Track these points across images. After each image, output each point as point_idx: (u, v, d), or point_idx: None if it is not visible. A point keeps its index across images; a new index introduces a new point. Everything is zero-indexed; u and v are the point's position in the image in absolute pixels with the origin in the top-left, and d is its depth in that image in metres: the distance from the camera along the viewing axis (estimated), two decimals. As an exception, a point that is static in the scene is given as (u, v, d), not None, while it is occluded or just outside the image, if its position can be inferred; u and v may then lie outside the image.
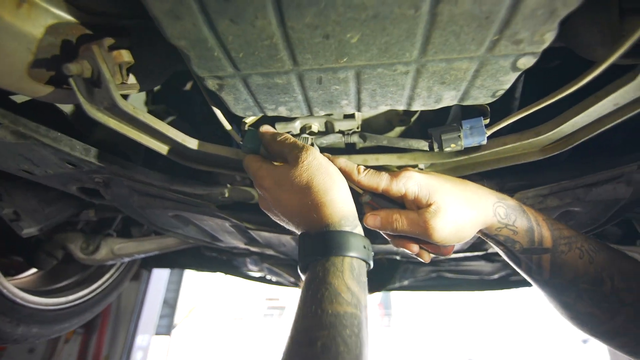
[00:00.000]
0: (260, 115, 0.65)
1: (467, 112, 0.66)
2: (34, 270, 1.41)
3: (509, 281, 1.97)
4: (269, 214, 0.61)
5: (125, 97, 0.80)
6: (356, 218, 0.54)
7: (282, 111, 0.61)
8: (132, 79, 0.60)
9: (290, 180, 0.52)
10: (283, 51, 0.46)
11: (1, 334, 1.07)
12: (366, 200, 0.60)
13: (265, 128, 0.61)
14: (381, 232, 0.60)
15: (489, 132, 0.61)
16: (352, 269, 0.47)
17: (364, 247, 0.50)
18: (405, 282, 1.82)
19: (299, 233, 0.55)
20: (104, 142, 0.86)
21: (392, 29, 0.41)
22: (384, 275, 1.47)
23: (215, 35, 0.43)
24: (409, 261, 1.41)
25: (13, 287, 1.13)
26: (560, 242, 0.55)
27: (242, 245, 1.14)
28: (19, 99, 0.72)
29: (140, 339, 4.23)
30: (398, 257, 1.13)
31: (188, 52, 0.46)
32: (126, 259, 1.44)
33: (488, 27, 0.41)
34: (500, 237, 0.57)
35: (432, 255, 0.61)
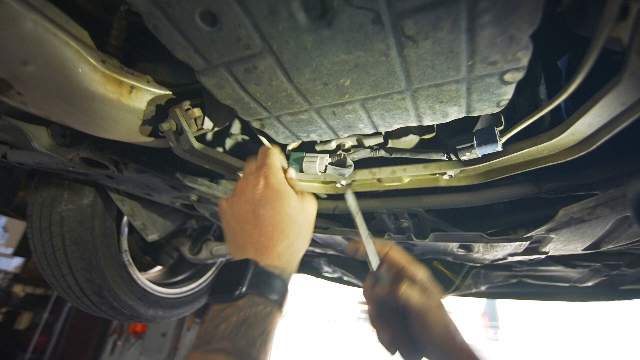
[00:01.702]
0: (300, 141, 0.80)
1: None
2: (159, 267, 1.84)
3: (617, 291, 1.71)
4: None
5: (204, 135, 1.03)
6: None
7: (314, 137, 0.75)
8: (208, 122, 0.81)
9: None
10: (298, 97, 0.59)
11: (138, 314, 1.45)
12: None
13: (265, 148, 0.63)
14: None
15: (503, 139, 0.63)
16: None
17: None
18: (482, 288, 1.74)
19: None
20: (197, 167, 1.13)
21: (374, 72, 0.51)
22: (446, 278, 1.46)
23: (248, 94, 0.59)
24: (474, 265, 1.38)
25: (145, 279, 1.51)
26: None
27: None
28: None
29: (244, 331, 4.80)
30: (450, 259, 1.14)
31: (234, 106, 0.64)
32: (222, 259, 1.76)
33: (457, 58, 0.47)
34: None
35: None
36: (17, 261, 3.92)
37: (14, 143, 0.97)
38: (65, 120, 0.65)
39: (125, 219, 1.43)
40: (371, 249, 0.61)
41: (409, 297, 0.54)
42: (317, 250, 1.33)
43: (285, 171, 0.61)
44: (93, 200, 1.23)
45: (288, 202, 0.54)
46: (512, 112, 0.74)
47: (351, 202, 0.64)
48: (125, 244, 1.42)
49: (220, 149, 0.93)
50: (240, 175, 0.86)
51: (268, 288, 0.47)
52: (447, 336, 0.52)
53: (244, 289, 0.45)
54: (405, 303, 0.54)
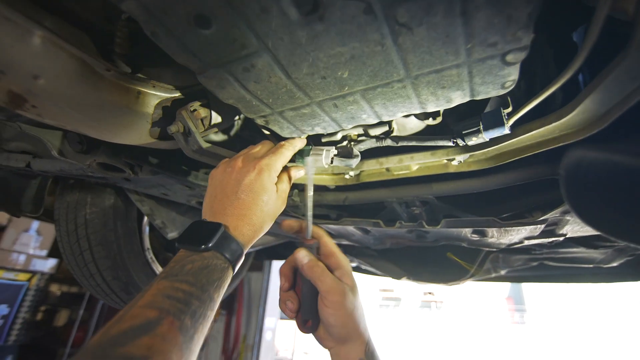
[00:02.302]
0: (305, 135, 0.80)
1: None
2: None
3: (646, 270, 1.64)
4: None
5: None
6: None
7: (319, 130, 0.75)
8: (214, 121, 0.82)
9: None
10: (298, 92, 0.59)
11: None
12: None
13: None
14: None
15: (510, 122, 0.61)
16: None
17: None
18: (502, 272, 1.72)
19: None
20: (208, 166, 1.15)
21: (371, 62, 0.51)
22: (461, 267, 1.44)
23: (249, 92, 0.60)
24: (491, 250, 1.35)
25: (169, 275, 1.57)
26: None
27: (322, 240, 1.32)
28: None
29: (268, 321, 4.93)
30: (465, 244, 1.12)
31: (237, 105, 0.65)
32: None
33: (454, 42, 0.46)
34: None
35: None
36: (52, 262, 4.13)
37: (36, 152, 1.02)
38: (79, 128, 0.67)
39: (145, 218, 1.49)
40: (311, 220, 0.67)
41: (321, 276, 0.59)
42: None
43: (287, 170, 0.72)
44: (114, 202, 1.28)
45: (267, 198, 0.63)
46: (524, 93, 0.72)
47: (309, 170, 0.72)
48: (147, 242, 1.48)
49: (228, 146, 0.94)
50: None
51: (229, 251, 0.56)
52: (347, 324, 0.59)
53: (210, 245, 0.54)
54: (317, 281, 0.59)
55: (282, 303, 0.63)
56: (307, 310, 0.61)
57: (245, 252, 0.61)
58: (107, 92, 0.62)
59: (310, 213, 0.67)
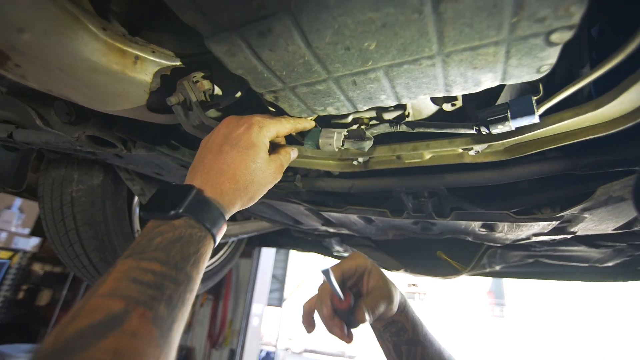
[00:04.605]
0: (315, 115, 0.75)
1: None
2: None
3: (635, 271, 1.66)
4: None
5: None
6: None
7: (331, 110, 0.70)
8: (218, 95, 0.76)
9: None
10: (316, 65, 0.54)
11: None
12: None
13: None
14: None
15: (541, 110, 0.57)
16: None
17: None
18: (497, 268, 1.71)
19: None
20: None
21: (403, 32, 0.45)
22: (463, 258, 1.43)
23: (261, 62, 0.54)
24: (491, 245, 1.34)
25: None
26: (426, 338, 0.65)
27: (321, 227, 1.28)
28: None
29: (255, 307, 4.93)
30: (469, 238, 1.10)
31: (246, 77, 0.59)
32: (233, 239, 1.75)
33: (500, 14, 0.41)
34: (397, 323, 0.66)
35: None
36: (35, 241, 4.02)
37: (20, 122, 0.94)
38: (68, 94, 0.61)
39: (136, 199, 1.42)
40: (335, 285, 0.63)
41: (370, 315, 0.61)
42: (331, 230, 1.30)
43: (285, 146, 0.69)
44: (103, 180, 1.21)
45: (254, 155, 0.56)
46: (544, 82, 0.68)
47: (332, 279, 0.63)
48: (137, 224, 1.42)
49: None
50: None
51: (205, 216, 0.48)
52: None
53: (181, 211, 0.46)
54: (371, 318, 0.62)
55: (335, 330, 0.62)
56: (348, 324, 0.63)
57: (227, 218, 0.53)
58: (102, 53, 0.55)
59: (337, 289, 0.63)
